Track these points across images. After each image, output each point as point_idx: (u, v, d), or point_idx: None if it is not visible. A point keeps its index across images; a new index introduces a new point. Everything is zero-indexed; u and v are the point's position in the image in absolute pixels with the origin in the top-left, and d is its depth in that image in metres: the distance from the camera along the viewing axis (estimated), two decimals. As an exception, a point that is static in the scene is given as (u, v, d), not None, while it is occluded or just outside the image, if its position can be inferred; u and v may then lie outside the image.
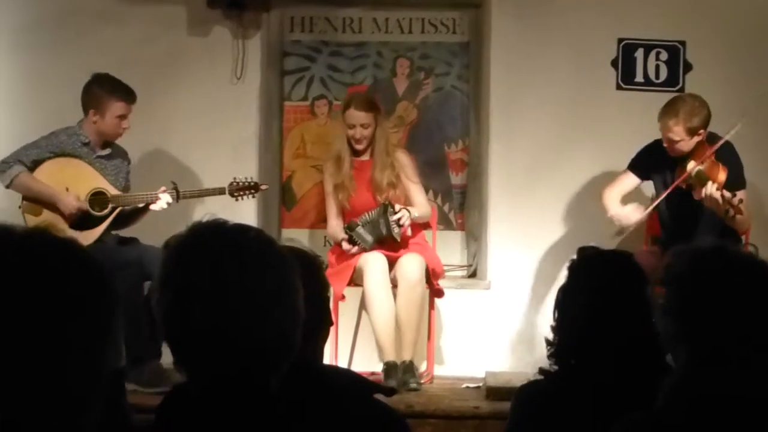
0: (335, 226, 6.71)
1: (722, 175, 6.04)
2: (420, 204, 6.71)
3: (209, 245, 2.10)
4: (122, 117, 6.28)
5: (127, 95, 6.29)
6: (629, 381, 2.88)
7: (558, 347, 3.07)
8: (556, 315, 3.11)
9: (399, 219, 6.45)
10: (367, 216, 6.53)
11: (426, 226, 6.88)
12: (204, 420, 2.06)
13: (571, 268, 3.14)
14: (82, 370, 1.52)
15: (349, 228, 6.53)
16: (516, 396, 3.13)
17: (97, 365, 1.55)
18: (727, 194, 5.91)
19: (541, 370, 3.11)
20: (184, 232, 2.15)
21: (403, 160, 6.75)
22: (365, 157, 6.69)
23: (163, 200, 6.27)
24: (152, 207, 6.30)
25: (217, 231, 2.14)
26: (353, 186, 6.65)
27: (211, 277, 2.04)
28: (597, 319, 2.97)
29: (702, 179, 6.04)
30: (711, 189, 5.94)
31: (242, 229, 2.15)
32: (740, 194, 6.04)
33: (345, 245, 6.54)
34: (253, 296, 2.05)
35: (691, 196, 6.14)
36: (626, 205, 6.35)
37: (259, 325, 2.06)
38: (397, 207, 6.50)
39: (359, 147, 6.64)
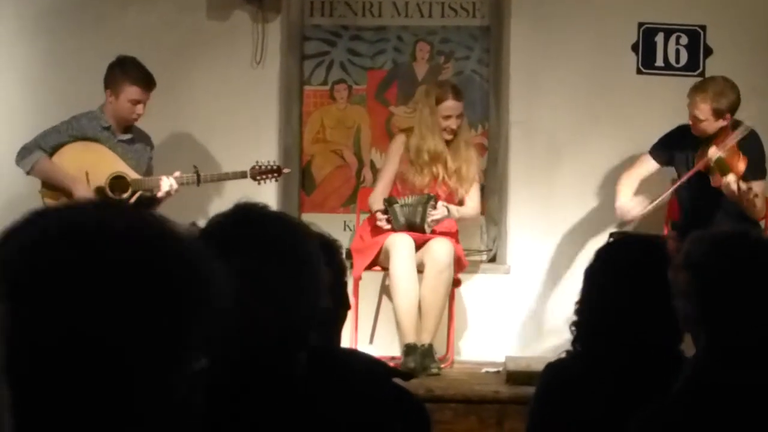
0: (378, 195, 6.70)
1: (741, 165, 6.04)
2: (471, 207, 6.76)
3: (241, 234, 2.13)
4: (135, 102, 6.26)
5: (145, 82, 6.27)
6: (650, 365, 2.83)
7: (582, 330, 3.01)
8: (582, 297, 3.05)
9: (436, 216, 6.48)
10: (408, 199, 6.53)
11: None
12: (223, 405, 2.06)
13: (599, 251, 3.09)
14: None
15: (389, 202, 6.54)
16: (543, 374, 3.07)
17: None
18: (744, 186, 5.92)
19: (568, 353, 3.06)
20: (227, 212, 2.19)
21: (475, 156, 6.78)
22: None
23: (165, 184, 6.23)
24: (158, 195, 6.26)
25: (250, 219, 2.16)
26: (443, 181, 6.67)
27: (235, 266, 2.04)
28: (622, 303, 2.91)
29: (722, 167, 6.04)
30: (729, 179, 5.94)
31: (277, 219, 2.19)
32: (757, 185, 6.08)
33: (378, 214, 6.55)
34: (273, 291, 2.10)
35: (710, 180, 6.13)
36: (635, 197, 6.36)
37: (273, 317, 2.10)
38: (440, 204, 6.52)
39: (450, 137, 6.63)
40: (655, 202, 6.29)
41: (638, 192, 6.44)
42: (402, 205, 6.51)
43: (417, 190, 6.60)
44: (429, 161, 6.60)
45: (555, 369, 3.05)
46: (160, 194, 6.24)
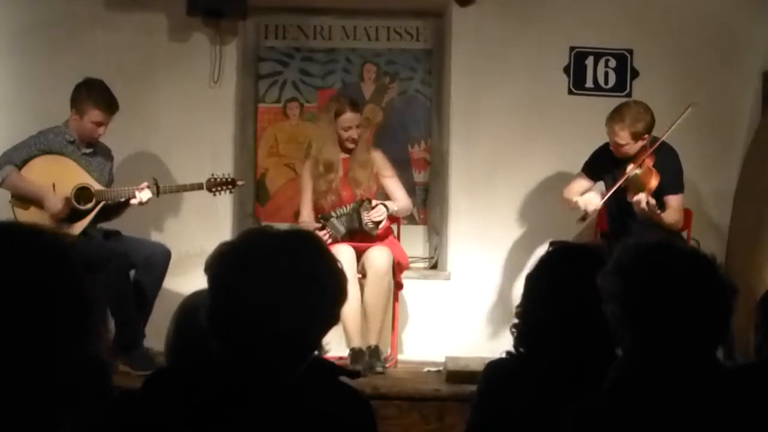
0: (307, 216, 6.65)
1: (654, 182, 6.11)
2: (399, 198, 6.70)
3: (281, 255, 2.23)
4: (98, 124, 6.25)
5: (107, 105, 6.26)
6: (585, 364, 2.82)
7: (524, 333, 3.01)
8: (524, 302, 3.04)
9: (376, 215, 6.46)
10: (342, 209, 6.52)
11: (392, 219, 6.83)
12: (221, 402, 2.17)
13: (541, 259, 3.08)
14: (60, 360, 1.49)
15: (324, 218, 6.51)
16: (484, 372, 3.05)
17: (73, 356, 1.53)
18: (652, 202, 6.01)
19: (509, 354, 3.06)
20: (267, 235, 2.30)
21: (378, 157, 6.74)
22: (344, 155, 6.70)
23: (144, 195, 6.26)
24: (132, 201, 6.29)
25: (277, 246, 2.26)
26: (338, 189, 6.63)
27: (267, 291, 2.20)
28: (559, 306, 2.91)
29: (636, 184, 6.12)
30: (639, 197, 6.03)
31: (303, 247, 2.28)
32: (674, 198, 6.19)
33: (317, 233, 6.50)
34: (298, 310, 2.21)
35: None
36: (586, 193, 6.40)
37: (297, 332, 2.23)
38: (374, 202, 6.49)
39: (353, 147, 6.63)
40: (608, 195, 6.29)
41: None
42: (338, 217, 6.51)
43: (331, 202, 6.61)
44: (324, 171, 6.62)
45: (496, 368, 3.04)
46: (134, 201, 6.25)
